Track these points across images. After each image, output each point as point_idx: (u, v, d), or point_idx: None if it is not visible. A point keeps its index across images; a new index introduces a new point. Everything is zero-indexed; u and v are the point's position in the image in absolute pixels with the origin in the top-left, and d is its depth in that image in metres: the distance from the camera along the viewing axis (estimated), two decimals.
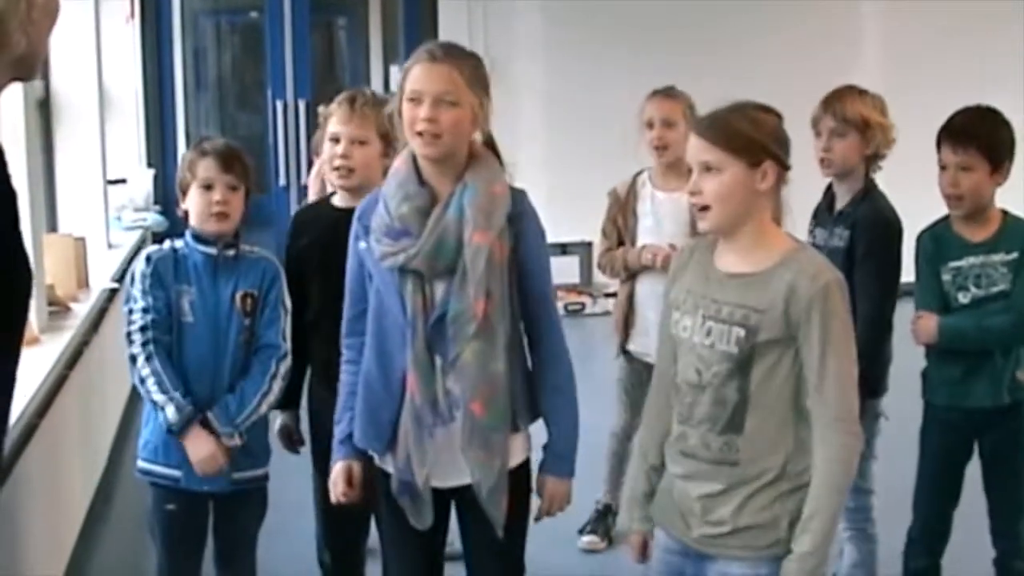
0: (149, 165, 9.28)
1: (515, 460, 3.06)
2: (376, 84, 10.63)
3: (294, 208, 6.07)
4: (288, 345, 3.63)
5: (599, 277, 7.93)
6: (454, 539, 3.23)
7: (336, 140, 3.65)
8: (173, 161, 7.99)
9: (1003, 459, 3.83)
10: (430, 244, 2.92)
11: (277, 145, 9.75)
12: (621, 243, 4.82)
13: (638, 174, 4.86)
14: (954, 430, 3.85)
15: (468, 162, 2.99)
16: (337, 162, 3.64)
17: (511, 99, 9.02)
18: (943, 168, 3.75)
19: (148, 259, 3.59)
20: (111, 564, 4.93)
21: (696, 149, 2.79)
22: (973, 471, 3.90)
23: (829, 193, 4.07)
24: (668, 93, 4.81)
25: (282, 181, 9.72)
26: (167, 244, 3.65)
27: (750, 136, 2.75)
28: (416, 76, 2.94)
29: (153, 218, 8.30)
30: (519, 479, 3.07)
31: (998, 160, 3.70)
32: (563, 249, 9.51)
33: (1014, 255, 3.73)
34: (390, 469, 3.07)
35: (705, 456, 2.80)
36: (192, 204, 3.59)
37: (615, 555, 4.85)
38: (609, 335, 4.97)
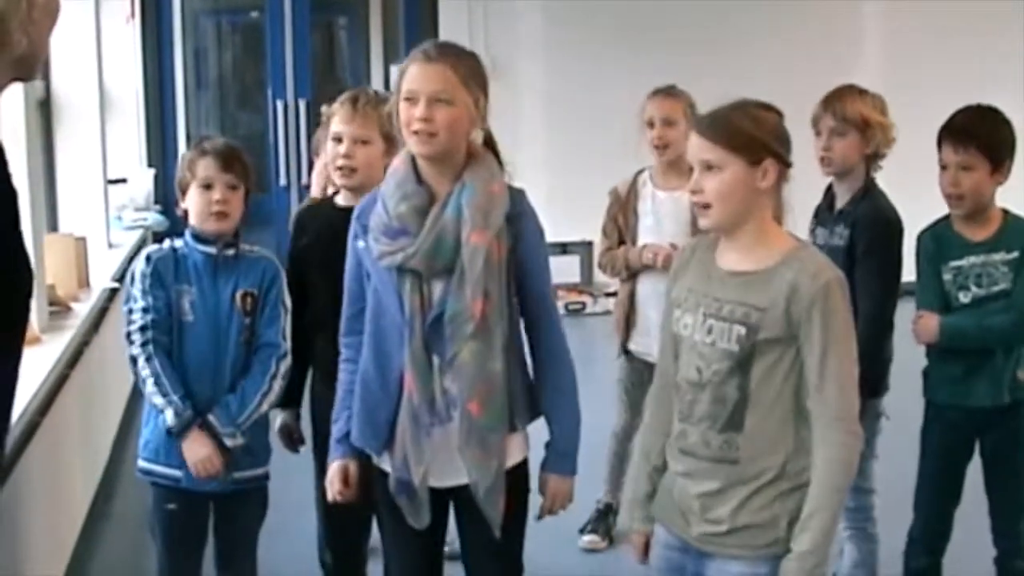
0: (149, 165, 9.28)
1: (513, 460, 3.06)
2: (376, 84, 10.62)
3: (295, 207, 6.08)
4: (288, 344, 3.63)
5: (600, 276, 7.93)
6: (454, 539, 3.23)
7: (339, 140, 3.65)
8: (174, 161, 7.99)
9: (1004, 458, 3.83)
10: (428, 243, 2.93)
11: (278, 145, 9.76)
12: (622, 242, 4.82)
13: (639, 173, 4.86)
14: (955, 429, 3.85)
15: (467, 162, 2.99)
16: (340, 162, 3.64)
17: (512, 99, 9.06)
18: (944, 168, 3.75)
19: (148, 259, 3.59)
20: (112, 563, 4.93)
21: (697, 148, 2.79)
22: (974, 471, 3.89)
23: (830, 193, 4.07)
24: (669, 92, 4.81)
25: (282, 181, 9.72)
26: (167, 244, 3.65)
27: (751, 134, 2.75)
28: (411, 75, 2.94)
29: (154, 218, 8.29)
30: (517, 479, 3.07)
31: (999, 159, 3.70)
32: (563, 248, 9.51)
33: (1015, 254, 3.73)
34: (388, 468, 3.08)
35: (705, 454, 2.80)
36: (192, 203, 3.60)
37: (616, 555, 4.85)
38: (610, 335, 4.97)
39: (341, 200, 3.71)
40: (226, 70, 13.89)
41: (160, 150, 9.58)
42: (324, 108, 3.92)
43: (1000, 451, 3.83)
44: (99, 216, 7.10)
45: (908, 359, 4.00)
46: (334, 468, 3.20)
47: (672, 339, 2.91)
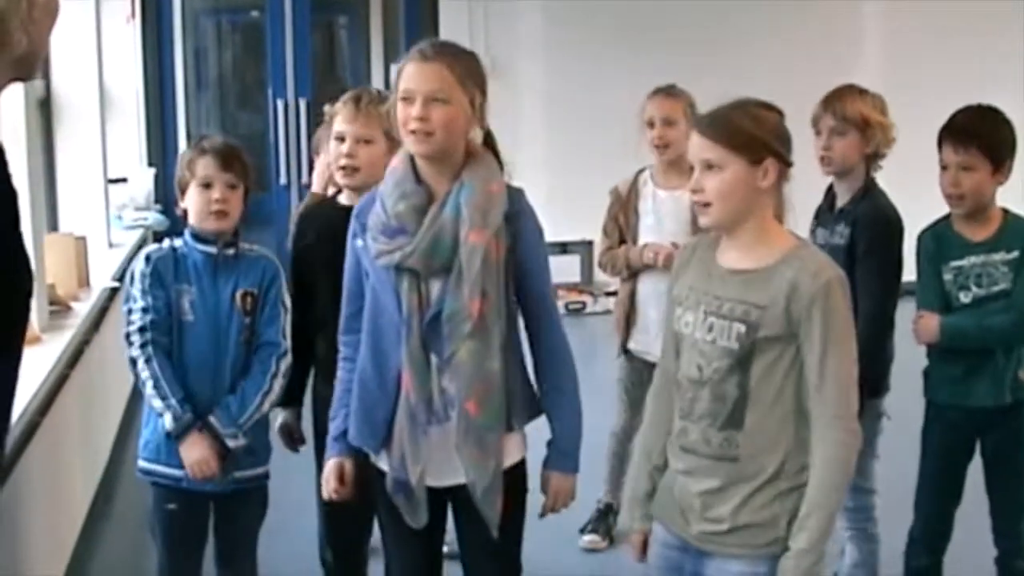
0: (150, 164, 9.29)
1: (510, 460, 3.06)
2: (377, 83, 10.62)
3: (295, 207, 6.09)
4: (288, 343, 3.63)
5: (600, 276, 7.93)
6: (453, 539, 3.23)
7: (341, 139, 3.66)
8: (174, 160, 8.00)
9: (1004, 458, 3.83)
10: (426, 242, 2.93)
11: (278, 144, 9.76)
12: (623, 241, 4.83)
13: (640, 172, 4.86)
14: (955, 429, 3.85)
15: (465, 161, 2.99)
16: (342, 161, 3.65)
17: (512, 98, 9.07)
18: (944, 168, 3.75)
19: (147, 258, 3.59)
20: (112, 563, 4.93)
21: (698, 147, 2.80)
22: (975, 471, 3.89)
23: (830, 193, 4.07)
24: (669, 92, 4.81)
25: (283, 180, 9.72)
26: (166, 243, 3.65)
27: (751, 133, 2.75)
28: (408, 75, 2.95)
29: (154, 217, 8.29)
30: (515, 479, 3.08)
31: (999, 159, 3.70)
32: (564, 248, 9.52)
33: (1015, 254, 3.73)
34: (385, 467, 3.08)
35: (705, 452, 2.81)
36: (191, 203, 3.59)
37: (616, 554, 4.85)
38: (610, 334, 4.97)
39: (344, 199, 3.71)
40: (226, 69, 13.90)
41: (160, 149, 9.58)
42: (327, 107, 3.92)
43: (1001, 451, 3.83)
44: (99, 215, 7.10)
45: (909, 359, 4.00)
46: (329, 466, 3.21)
47: (673, 337, 2.91)
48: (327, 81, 12.15)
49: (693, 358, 2.82)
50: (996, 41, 9.78)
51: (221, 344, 3.57)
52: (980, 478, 3.89)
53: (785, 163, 2.78)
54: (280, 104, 9.79)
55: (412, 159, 3.00)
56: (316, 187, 4.52)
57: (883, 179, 4.02)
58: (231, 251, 3.62)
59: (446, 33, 8.97)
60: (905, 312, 3.84)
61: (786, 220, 2.88)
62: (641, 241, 4.76)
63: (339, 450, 3.20)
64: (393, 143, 3.31)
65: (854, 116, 3.93)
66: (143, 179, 8.77)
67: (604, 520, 5.04)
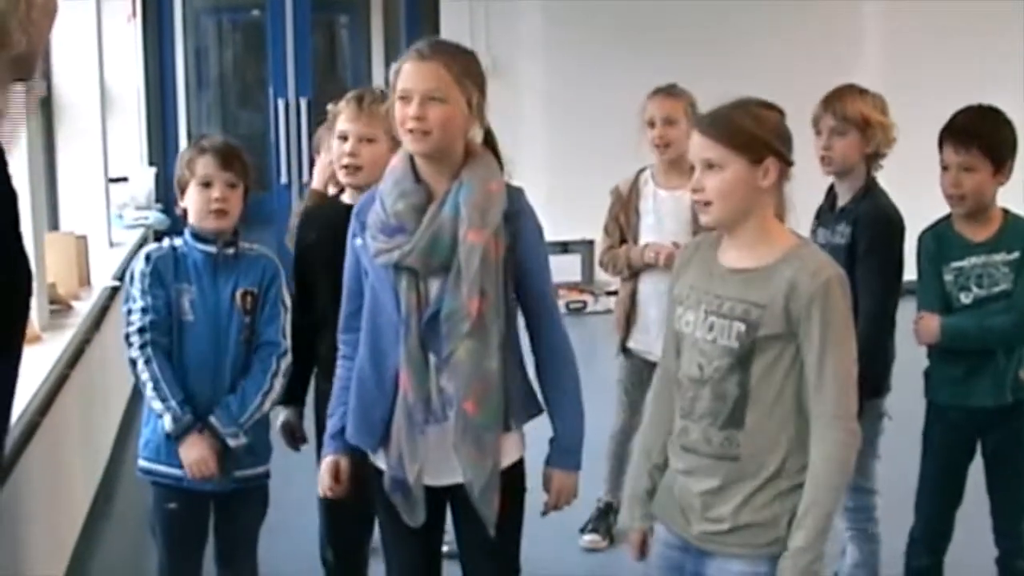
0: (151, 163, 9.29)
1: (508, 460, 3.06)
2: (378, 82, 10.61)
3: (296, 206, 6.08)
4: (288, 342, 3.64)
5: (601, 275, 7.93)
6: (453, 538, 3.23)
7: (344, 138, 3.66)
8: (175, 159, 8.02)
9: (1005, 458, 3.83)
10: (424, 241, 2.93)
11: (279, 143, 9.76)
12: (623, 241, 4.83)
13: (640, 172, 4.86)
14: (956, 429, 3.85)
15: (465, 160, 2.99)
16: (345, 160, 3.65)
17: (513, 98, 9.07)
18: (945, 168, 3.75)
19: (147, 258, 3.59)
20: (112, 563, 4.92)
21: (698, 146, 2.80)
22: (976, 471, 3.89)
23: (831, 193, 4.06)
24: (669, 91, 4.81)
25: (283, 179, 9.72)
26: (166, 242, 3.65)
27: (752, 133, 2.75)
28: (405, 74, 2.95)
29: (155, 216, 8.30)
30: (513, 479, 3.07)
31: (1000, 160, 3.70)
32: (564, 247, 9.52)
33: (1015, 255, 3.72)
34: (383, 466, 3.08)
35: (706, 451, 2.81)
36: (191, 202, 3.59)
37: (616, 554, 4.84)
38: (611, 333, 4.97)
39: (346, 199, 3.72)
40: (227, 68, 13.92)
41: (161, 148, 9.58)
42: (330, 106, 3.92)
43: (1002, 451, 3.83)
44: (100, 215, 7.10)
45: (910, 359, 4.00)
46: (325, 463, 3.22)
47: (674, 336, 2.91)
48: (328, 80, 12.16)
49: (694, 357, 2.82)
50: (996, 41, 9.78)
51: (221, 343, 3.57)
52: (981, 478, 3.88)
53: (786, 162, 2.79)
54: (281, 103, 9.79)
55: (412, 158, 3.01)
56: (316, 184, 4.52)
57: (883, 179, 4.02)
58: (231, 250, 3.62)
59: (447, 33, 8.97)
60: (906, 312, 3.84)
61: (787, 220, 2.88)
62: (642, 240, 4.76)
63: (335, 448, 3.20)
64: (396, 142, 3.31)
65: (854, 116, 3.93)
66: (144, 178, 8.78)
67: (604, 519, 5.04)
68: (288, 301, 3.67)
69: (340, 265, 3.21)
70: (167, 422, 3.48)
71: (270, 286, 3.63)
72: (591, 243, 9.26)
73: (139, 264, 3.59)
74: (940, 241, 3.83)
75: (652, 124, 4.76)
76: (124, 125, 8.74)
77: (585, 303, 9.62)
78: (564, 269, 8.91)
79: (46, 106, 6.49)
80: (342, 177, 3.71)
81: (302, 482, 3.91)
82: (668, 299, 2.98)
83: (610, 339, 4.98)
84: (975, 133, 3.70)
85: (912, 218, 3.88)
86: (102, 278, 6.05)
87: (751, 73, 8.21)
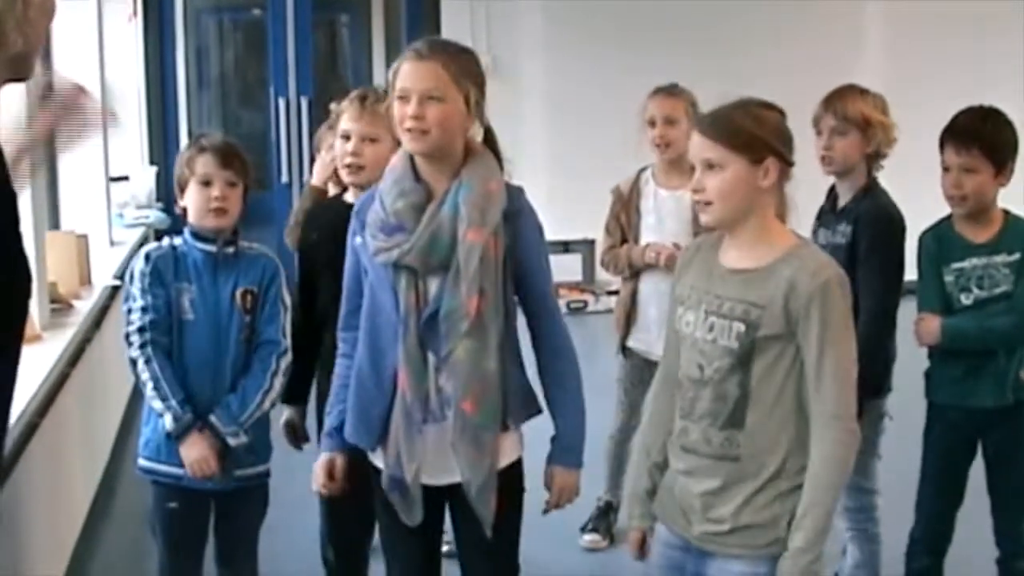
0: (151, 162, 9.30)
1: (506, 459, 3.06)
2: (378, 82, 10.58)
3: (296, 205, 6.07)
4: (288, 341, 3.64)
5: (601, 275, 7.93)
6: (453, 538, 3.23)
7: (347, 137, 3.67)
8: (175, 158, 8.03)
9: (1006, 459, 3.83)
10: (424, 240, 2.93)
11: (279, 142, 9.76)
12: (624, 240, 4.83)
13: (641, 171, 4.86)
14: (957, 430, 3.85)
15: (465, 159, 3.00)
16: (347, 159, 3.65)
17: (513, 98, 9.08)
18: (946, 169, 3.74)
19: (147, 257, 3.59)
20: (112, 562, 4.92)
21: (699, 146, 2.80)
22: (976, 471, 3.89)
23: (832, 193, 4.06)
24: (670, 91, 4.81)
25: (284, 178, 9.72)
26: (166, 242, 3.65)
27: (752, 133, 2.75)
28: (403, 74, 2.96)
29: (155, 215, 8.31)
30: (511, 479, 3.08)
31: (1001, 161, 3.70)
32: (565, 247, 9.53)
33: (1016, 256, 3.72)
34: (381, 465, 3.08)
35: (706, 451, 2.81)
36: (191, 200, 3.59)
37: (617, 553, 4.84)
38: (611, 333, 4.97)
39: (349, 198, 3.72)
40: (228, 68, 13.92)
41: (162, 148, 9.59)
42: (333, 106, 3.93)
43: (1002, 452, 3.82)
44: (101, 214, 7.11)
45: (910, 360, 3.99)
46: (320, 461, 3.22)
47: (675, 336, 2.91)
48: (329, 80, 12.16)
49: (694, 357, 2.82)
50: (996, 41, 9.78)
51: (221, 343, 3.57)
52: (981, 479, 3.88)
53: (786, 162, 2.78)
54: (282, 102, 9.79)
55: (411, 157, 3.01)
56: (316, 181, 4.53)
57: (884, 179, 4.02)
58: (231, 249, 3.62)
59: (447, 32, 8.97)
60: (906, 313, 3.84)
61: (788, 220, 2.88)
62: (643, 240, 4.76)
63: (331, 446, 3.21)
64: (398, 142, 3.32)
65: (855, 116, 3.92)
66: (145, 177, 8.79)
67: (605, 519, 5.04)
68: (288, 300, 3.67)
69: (342, 264, 3.21)
70: (168, 421, 3.48)
71: (270, 285, 3.63)
72: (592, 242, 9.26)
73: (139, 263, 3.59)
74: (941, 242, 3.82)
75: (653, 124, 4.76)
76: (125, 124, 8.73)
77: (586, 303, 9.62)
78: (565, 268, 8.91)
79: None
80: (345, 176, 3.71)
81: (303, 481, 3.88)
82: (669, 299, 2.98)
83: (611, 339, 4.98)
84: (976, 134, 3.70)
85: (913, 218, 3.88)
86: (103, 277, 6.05)
87: (751, 73, 8.22)
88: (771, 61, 9.34)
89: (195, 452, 3.49)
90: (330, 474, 3.21)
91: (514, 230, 3.01)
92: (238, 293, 3.60)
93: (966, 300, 3.76)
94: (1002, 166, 3.70)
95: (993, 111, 3.79)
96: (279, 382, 3.61)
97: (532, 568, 3.24)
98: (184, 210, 3.63)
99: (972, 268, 3.75)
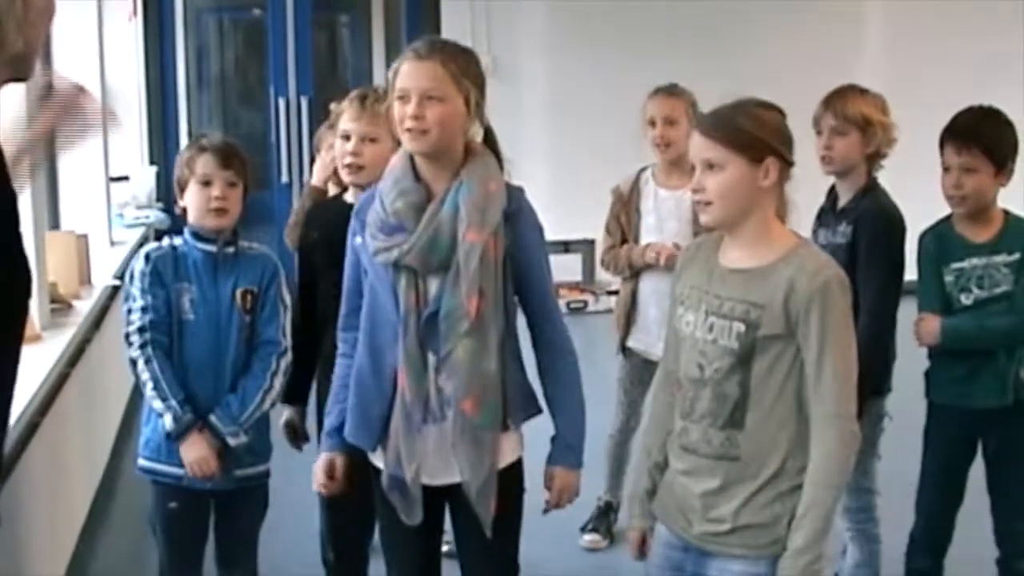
0: (151, 162, 9.29)
1: (506, 460, 3.06)
2: (378, 82, 10.58)
3: (296, 205, 6.07)
4: (288, 341, 3.64)
5: (601, 275, 7.93)
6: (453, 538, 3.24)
7: (347, 137, 3.67)
8: (175, 158, 8.03)
9: (1006, 459, 3.83)
10: (424, 240, 2.93)
11: (279, 142, 9.75)
12: (625, 240, 4.83)
13: (641, 171, 4.87)
14: (957, 430, 3.84)
15: (465, 159, 3.00)
16: (347, 159, 3.66)
17: (513, 98, 9.08)
18: (946, 169, 3.74)
19: (147, 257, 3.59)
20: (113, 562, 4.92)
21: (699, 146, 2.80)
22: (976, 471, 3.89)
23: (832, 193, 4.06)
24: (670, 91, 4.81)
25: (284, 178, 9.72)
26: (166, 242, 3.65)
27: (752, 133, 2.75)
28: (403, 74, 2.96)
29: (155, 215, 8.30)
30: (511, 479, 3.08)
31: (1002, 161, 3.70)
32: (565, 247, 9.52)
33: (1016, 256, 3.72)
34: (381, 464, 3.08)
35: (706, 451, 2.80)
36: (190, 200, 3.59)
37: (617, 553, 4.84)
38: (611, 333, 4.97)
39: (349, 197, 3.72)
40: (228, 67, 13.93)
41: (162, 147, 9.58)
42: (333, 106, 3.94)
43: (1003, 452, 3.82)
44: (101, 213, 7.10)
45: (910, 360, 3.99)
46: (320, 461, 3.23)
47: (675, 336, 2.91)
48: (329, 79, 12.17)
49: (694, 357, 2.82)
50: (996, 41, 9.77)
51: (221, 343, 3.57)
52: (982, 479, 3.88)
53: (786, 162, 2.78)
54: (282, 102, 9.79)
55: (411, 157, 3.01)
56: (316, 181, 4.54)
57: (883, 179, 4.01)
58: (231, 249, 3.62)
59: (448, 32, 8.97)
60: (906, 313, 3.83)
61: (789, 220, 2.88)
62: (643, 240, 4.76)
63: (330, 446, 3.21)
64: (399, 142, 3.32)
65: (855, 115, 3.92)
66: (145, 177, 8.78)
67: (605, 519, 5.04)
68: (288, 300, 3.68)
69: (342, 264, 3.22)
70: (168, 421, 3.48)
71: (269, 285, 3.63)
72: (592, 243, 9.26)
73: (138, 263, 3.59)
74: (941, 242, 3.82)
75: (653, 124, 4.76)
76: (125, 124, 8.73)
77: (586, 303, 9.62)
78: (565, 269, 8.91)
79: None
80: (345, 176, 3.72)
81: (303, 481, 3.89)
82: (670, 299, 2.98)
83: (611, 339, 4.98)
84: (976, 134, 3.70)
85: (912, 218, 3.88)
86: (103, 277, 6.05)
87: (751, 73, 8.21)
88: (771, 61, 9.34)
89: (195, 452, 3.49)
90: (330, 474, 3.21)
91: (514, 230, 3.01)
92: (238, 293, 3.60)
93: (966, 300, 3.76)
94: (1002, 166, 3.70)
95: (993, 111, 3.79)
96: (279, 382, 3.61)
97: (532, 568, 3.24)
98: (184, 210, 3.63)
99: (972, 268, 3.75)
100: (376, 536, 3.46)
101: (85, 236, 6.03)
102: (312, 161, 4.77)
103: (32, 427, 3.86)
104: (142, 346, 3.50)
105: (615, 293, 5.22)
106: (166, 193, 8.51)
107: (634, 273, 4.80)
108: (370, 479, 3.15)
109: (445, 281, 2.95)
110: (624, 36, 9.63)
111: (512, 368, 3.05)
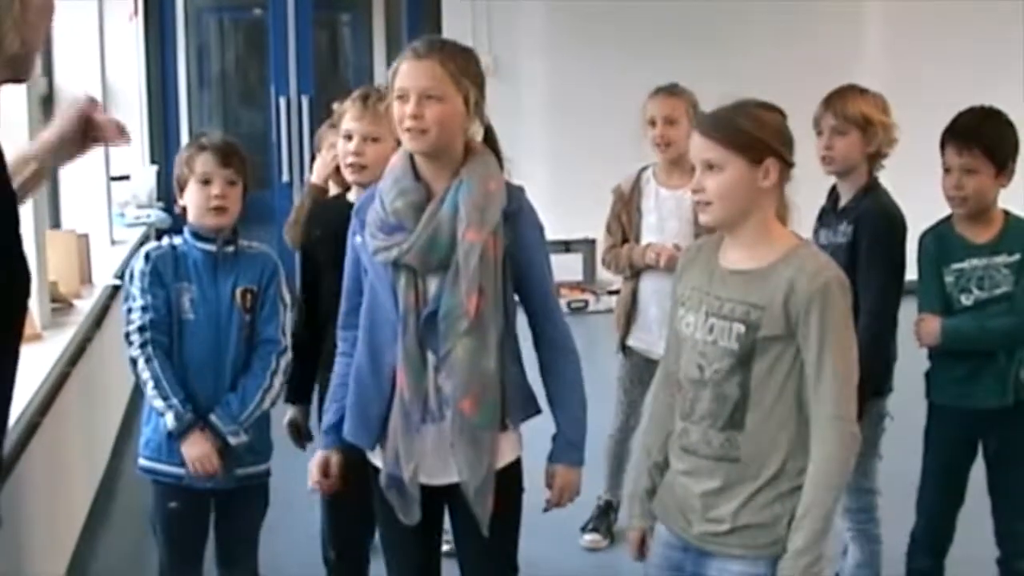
0: (152, 161, 9.29)
1: (505, 459, 3.06)
2: (379, 81, 10.59)
3: (296, 203, 6.06)
4: (288, 340, 3.64)
5: (602, 274, 7.93)
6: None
7: (349, 137, 3.67)
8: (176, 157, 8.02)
9: (1007, 459, 3.83)
10: (423, 239, 2.93)
11: (280, 141, 9.75)
12: (626, 239, 4.83)
13: (642, 170, 4.87)
14: (958, 430, 3.84)
15: (465, 158, 3.00)
16: (350, 159, 3.66)
17: (514, 97, 9.08)
18: (947, 170, 3.74)
19: (147, 257, 3.59)
20: (113, 562, 4.93)
21: (698, 147, 2.80)
22: (977, 471, 3.89)
23: (833, 193, 4.06)
24: (671, 91, 4.81)
25: (285, 177, 9.71)
26: (165, 241, 3.65)
27: (752, 134, 2.75)
28: (402, 73, 2.97)
29: (156, 215, 8.30)
30: (510, 479, 3.08)
31: (1002, 162, 3.69)
32: (566, 246, 9.52)
33: (1016, 256, 3.72)
34: (380, 463, 3.08)
35: (706, 452, 2.80)
36: (190, 199, 3.59)
37: (617, 553, 4.83)
38: (612, 332, 4.97)
39: (353, 196, 3.72)
40: (229, 67, 13.94)
41: (163, 147, 9.57)
42: (335, 105, 3.95)
43: (1003, 452, 3.82)
44: (102, 213, 7.10)
45: (910, 360, 3.99)
46: (315, 458, 3.23)
47: (676, 338, 2.91)
48: (330, 79, 12.18)
49: (694, 359, 2.82)
50: (996, 41, 9.77)
51: (222, 342, 3.57)
52: (982, 478, 3.88)
53: (786, 163, 2.78)
54: (282, 101, 9.78)
55: (411, 156, 3.01)
56: (316, 179, 4.54)
57: (884, 179, 4.01)
58: (230, 248, 3.62)
59: (448, 31, 8.97)
60: (907, 313, 3.83)
61: (790, 221, 2.88)
62: (644, 239, 4.76)
63: (327, 443, 3.22)
64: (400, 141, 3.32)
65: (855, 115, 3.92)
66: (145, 176, 8.78)
67: (605, 518, 5.04)
68: (288, 298, 3.68)
69: (343, 263, 3.22)
70: (169, 420, 3.48)
71: (269, 284, 3.63)
72: (592, 242, 9.26)
73: (138, 263, 3.59)
74: (941, 242, 3.82)
75: (653, 123, 4.76)
76: (126, 123, 8.71)
77: (587, 302, 9.62)
78: (566, 268, 8.90)
79: (48, 104, 6.48)
80: (348, 176, 3.73)
81: (303, 481, 3.89)
82: (671, 300, 2.98)
83: (611, 338, 4.98)
84: (977, 135, 3.70)
85: (913, 218, 3.87)
86: (103, 276, 6.05)
87: (751, 73, 8.23)
88: (771, 61, 9.34)
89: (197, 450, 3.49)
90: (325, 472, 3.21)
91: (514, 229, 3.02)
92: (238, 292, 3.60)
93: (966, 301, 3.75)
94: (1003, 167, 3.69)
95: (994, 111, 3.79)
96: (279, 381, 3.62)
97: (532, 568, 3.24)
98: (184, 209, 3.63)
99: (972, 269, 3.75)
100: (377, 535, 3.47)
101: (86, 235, 6.03)
102: (313, 160, 4.78)
103: (32, 427, 3.86)
104: (142, 345, 3.50)
105: (616, 293, 5.22)
106: (167, 192, 8.50)
107: (635, 272, 4.80)
108: (370, 478, 3.15)
109: (444, 280, 2.95)
110: (624, 36, 9.62)
111: (511, 368, 3.05)
